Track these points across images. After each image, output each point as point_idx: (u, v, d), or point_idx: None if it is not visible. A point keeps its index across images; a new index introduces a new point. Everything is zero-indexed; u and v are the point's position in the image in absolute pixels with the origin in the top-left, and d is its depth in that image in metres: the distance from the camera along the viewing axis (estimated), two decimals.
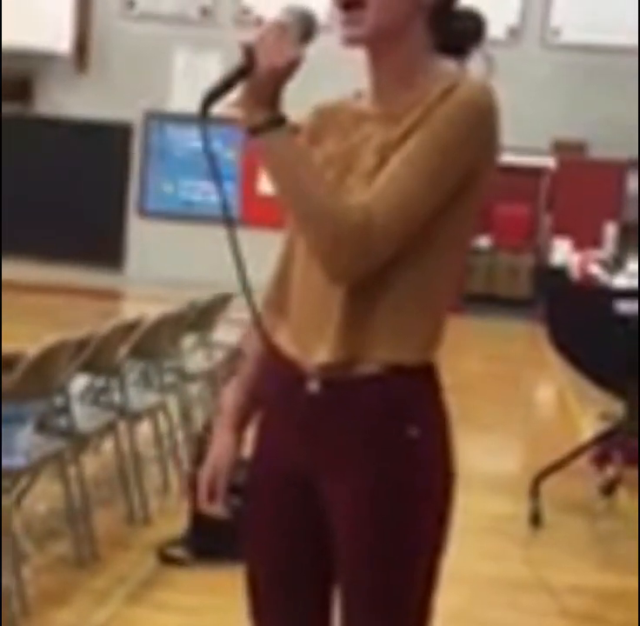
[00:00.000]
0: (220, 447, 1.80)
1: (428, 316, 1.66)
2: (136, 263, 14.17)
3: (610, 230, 12.71)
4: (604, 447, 5.37)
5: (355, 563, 1.68)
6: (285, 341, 1.71)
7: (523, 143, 13.07)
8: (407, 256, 1.59)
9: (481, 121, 1.61)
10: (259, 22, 1.99)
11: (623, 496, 5.22)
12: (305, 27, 1.57)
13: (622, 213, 12.99)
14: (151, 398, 4.74)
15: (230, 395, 1.84)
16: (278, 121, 1.55)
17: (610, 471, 5.36)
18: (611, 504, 5.15)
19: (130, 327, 4.44)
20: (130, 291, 13.04)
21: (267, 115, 1.55)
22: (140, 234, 14.30)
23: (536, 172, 13.73)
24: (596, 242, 11.89)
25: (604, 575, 4.22)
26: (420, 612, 1.71)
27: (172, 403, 5.07)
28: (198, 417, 5.30)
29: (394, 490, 1.64)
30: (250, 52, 1.54)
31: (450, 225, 1.62)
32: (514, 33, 13.32)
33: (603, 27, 12.96)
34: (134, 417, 4.40)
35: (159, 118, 14.10)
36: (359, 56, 1.70)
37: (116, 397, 4.31)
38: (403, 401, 1.64)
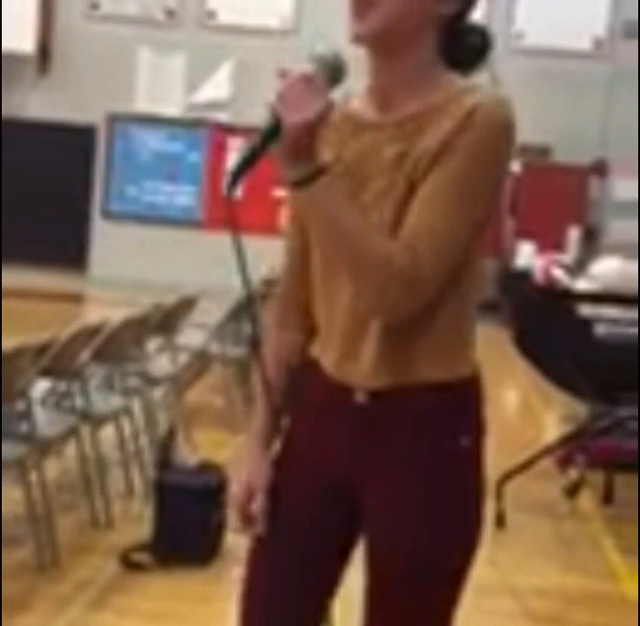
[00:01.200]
0: (253, 470, 1.78)
1: (465, 330, 1.68)
2: (100, 266, 14.08)
3: (573, 234, 12.82)
4: (568, 449, 5.40)
5: (400, 570, 1.67)
6: (325, 359, 1.71)
7: None
8: (447, 283, 1.60)
9: (507, 139, 1.60)
10: (283, 74, 1.92)
11: (587, 499, 5.26)
12: (331, 71, 1.52)
13: (585, 217, 13.10)
14: (115, 402, 4.70)
15: (256, 416, 1.82)
16: (318, 172, 1.52)
17: (574, 473, 5.39)
18: (575, 506, 5.18)
19: (93, 330, 4.40)
20: (94, 294, 12.95)
21: (307, 169, 1.52)
22: (103, 236, 14.22)
23: None
24: (560, 245, 11.98)
25: (568, 577, 4.24)
26: (448, 621, 1.74)
27: (136, 407, 5.04)
28: (162, 421, 5.27)
29: (449, 497, 1.66)
30: (275, 113, 1.49)
31: (477, 240, 1.63)
32: None
33: (566, 32, 13.07)
34: (97, 421, 4.36)
35: (123, 120, 14.02)
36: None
37: (79, 401, 4.27)
38: (453, 410, 1.66)
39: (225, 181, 1.52)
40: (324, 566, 1.77)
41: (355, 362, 1.66)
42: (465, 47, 1.66)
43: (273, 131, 1.50)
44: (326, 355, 1.71)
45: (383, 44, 1.61)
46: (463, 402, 1.67)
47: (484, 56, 1.68)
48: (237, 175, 1.51)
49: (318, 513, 1.74)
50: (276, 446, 1.80)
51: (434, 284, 1.56)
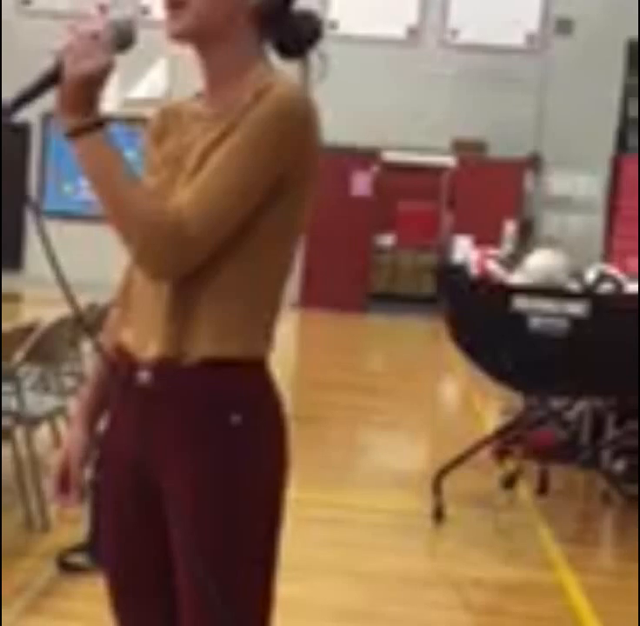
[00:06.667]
0: (70, 441, 1.86)
1: (252, 314, 1.72)
2: (36, 265, 13.91)
3: (510, 228, 12.95)
4: (505, 441, 5.46)
5: (187, 555, 1.71)
6: (126, 336, 1.78)
7: (424, 141, 13.23)
8: (225, 256, 1.67)
9: (291, 126, 1.65)
10: (73, 28, 1.99)
11: (523, 489, 5.32)
12: (119, 34, 1.62)
13: (520, 211, 13.25)
14: (50, 403, 4.65)
15: (84, 388, 1.92)
16: (93, 125, 1.61)
17: (510, 465, 5.46)
18: (512, 497, 5.24)
19: (27, 330, 4.34)
20: (31, 293, 12.79)
21: (81, 120, 1.61)
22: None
23: (436, 171, 13.91)
24: (497, 239, 12.09)
25: (506, 568, 4.28)
26: (260, 604, 1.75)
27: (72, 407, 4.98)
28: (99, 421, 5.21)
29: (219, 478, 1.69)
30: (58, 59, 1.59)
31: (269, 227, 1.68)
32: (413, 33, 13.47)
33: (499, 28, 13.19)
34: (31, 423, 4.30)
35: (57, 118, 13.83)
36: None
37: (12, 403, 4.21)
38: (225, 391, 1.70)
39: (3, 113, 1.61)
40: (145, 550, 1.79)
41: (148, 337, 1.72)
42: (291, 34, 1.74)
43: (53, 76, 1.60)
44: (125, 334, 1.78)
45: (199, 41, 1.71)
46: (235, 381, 1.71)
47: (314, 42, 1.75)
48: (11, 112, 1.61)
49: (129, 495, 1.78)
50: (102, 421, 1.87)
51: (200, 246, 1.62)
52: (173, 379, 1.70)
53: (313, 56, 1.74)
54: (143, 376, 1.71)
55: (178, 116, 1.79)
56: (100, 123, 1.61)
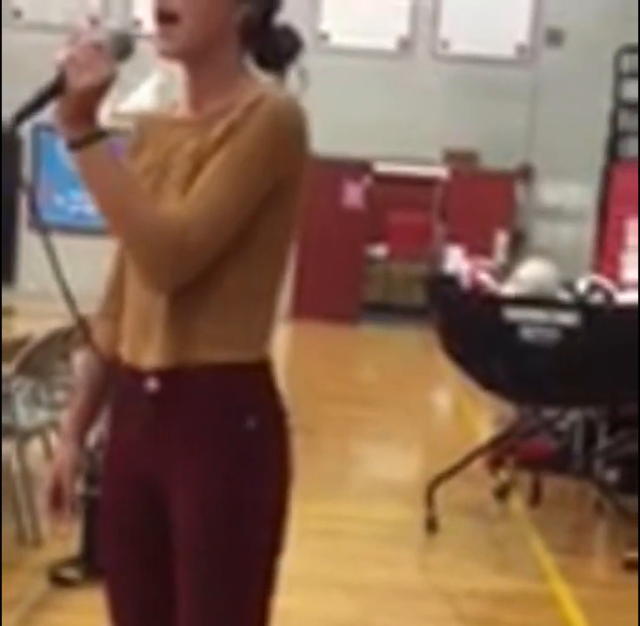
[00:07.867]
0: (61, 456, 1.87)
1: (252, 319, 1.73)
2: (28, 278, 13.90)
3: (501, 239, 12.97)
4: (498, 451, 5.46)
5: (193, 561, 1.71)
6: (124, 347, 1.78)
7: (416, 152, 13.25)
8: (224, 264, 1.68)
9: (285, 136, 1.68)
10: (75, 39, 2.00)
11: (517, 500, 5.32)
12: (120, 45, 1.64)
13: (512, 221, 13.27)
14: (41, 416, 4.64)
15: (70, 404, 1.92)
16: (96, 136, 1.61)
17: (504, 475, 5.45)
18: (505, 508, 5.24)
19: (18, 344, 4.34)
20: (23, 306, 12.77)
21: (84, 130, 1.61)
22: (31, 247, 14.03)
23: (429, 182, 13.94)
24: (488, 250, 12.11)
25: (500, 578, 4.28)
26: (258, 615, 1.74)
27: (64, 421, 4.97)
28: (91, 434, 5.20)
29: (237, 479, 1.69)
30: (61, 70, 1.59)
31: (263, 234, 1.70)
32: (404, 44, 13.51)
33: (491, 39, 13.24)
34: (23, 436, 4.29)
35: (49, 130, 13.85)
36: None
37: (4, 417, 4.19)
38: (238, 394, 1.71)
39: (11, 124, 1.61)
40: (148, 550, 1.79)
41: (145, 346, 1.72)
42: (272, 49, 1.77)
43: (57, 88, 1.60)
44: (125, 343, 1.78)
45: (189, 57, 1.73)
46: (247, 385, 1.72)
47: (293, 57, 1.77)
48: (15, 125, 1.61)
49: (132, 505, 1.78)
50: (95, 434, 1.89)
51: (202, 252, 1.64)
52: (181, 385, 1.70)
53: (291, 71, 1.77)
54: (151, 384, 1.71)
55: (155, 126, 1.80)
56: (101, 134, 1.61)
